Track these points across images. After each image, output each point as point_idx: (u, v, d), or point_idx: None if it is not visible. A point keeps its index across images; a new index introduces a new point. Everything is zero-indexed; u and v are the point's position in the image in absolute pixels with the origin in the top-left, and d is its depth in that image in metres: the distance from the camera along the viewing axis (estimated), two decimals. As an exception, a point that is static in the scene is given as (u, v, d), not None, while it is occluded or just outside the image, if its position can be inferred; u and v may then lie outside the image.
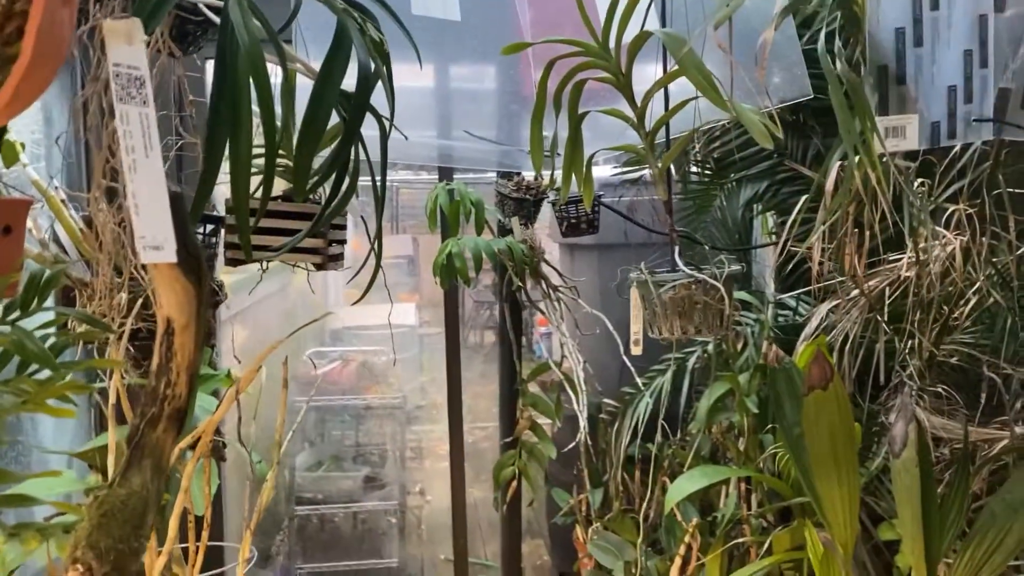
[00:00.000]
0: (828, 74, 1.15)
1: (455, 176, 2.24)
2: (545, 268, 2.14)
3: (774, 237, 2.07)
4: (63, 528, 0.74)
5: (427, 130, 2.12)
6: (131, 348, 1.31)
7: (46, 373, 0.81)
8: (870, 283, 1.53)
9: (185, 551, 1.28)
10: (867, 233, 1.36)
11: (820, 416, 1.22)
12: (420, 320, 5.24)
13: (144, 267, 1.27)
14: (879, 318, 1.54)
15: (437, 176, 2.27)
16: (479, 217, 1.98)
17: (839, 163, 1.26)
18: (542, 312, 2.21)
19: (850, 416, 1.27)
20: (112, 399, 1.07)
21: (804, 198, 1.38)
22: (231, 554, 2.03)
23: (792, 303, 1.99)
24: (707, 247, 1.83)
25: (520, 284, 2.13)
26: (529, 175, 2.16)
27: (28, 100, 0.47)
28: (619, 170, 2.25)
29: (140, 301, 1.15)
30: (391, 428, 3.76)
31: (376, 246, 1.21)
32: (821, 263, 1.35)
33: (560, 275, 2.15)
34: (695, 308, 1.24)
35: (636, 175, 2.18)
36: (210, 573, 1.32)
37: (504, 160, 2.04)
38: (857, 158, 1.20)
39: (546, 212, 2.30)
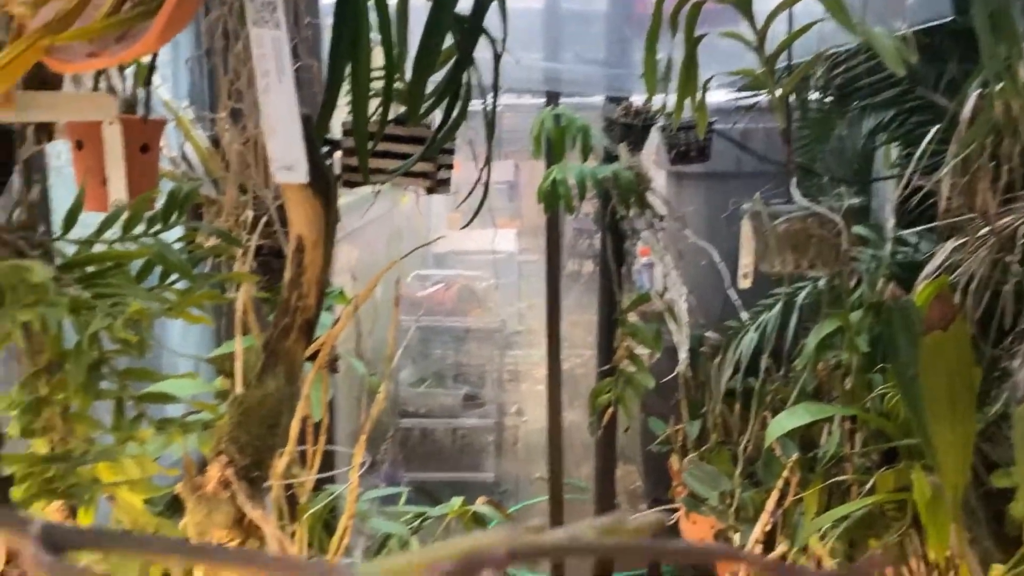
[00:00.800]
0: (973, -8, 1.06)
1: (561, 101, 2.21)
2: (651, 197, 2.11)
3: (897, 170, 1.96)
4: (202, 425, 0.81)
5: (535, 53, 2.09)
6: (254, 264, 1.39)
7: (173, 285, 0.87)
8: (1002, 221, 1.43)
9: (303, 455, 1.37)
10: (1003, 168, 1.27)
11: (938, 357, 1.18)
12: (520, 247, 5.28)
13: (268, 185, 1.34)
14: (1009, 259, 1.45)
15: (544, 101, 2.24)
16: (585, 143, 1.96)
17: (978, 91, 1.18)
18: (645, 242, 2.19)
19: (970, 359, 1.22)
20: (240, 311, 1.14)
21: (936, 128, 1.29)
22: (342, 460, 2.16)
23: (913, 240, 1.90)
24: (825, 179, 1.75)
25: (624, 213, 2.11)
26: (638, 100, 2.11)
27: (180, 26, 0.50)
28: (734, 95, 2.17)
29: (264, 219, 1.21)
30: (490, 351, 3.86)
31: (485, 171, 1.23)
32: (949, 198, 1.27)
33: (666, 204, 2.12)
34: (810, 242, 1.20)
35: (752, 101, 2.09)
36: (324, 474, 1.42)
37: (612, 84, 1.99)
38: (999, 86, 1.11)
39: (653, 140, 2.25)
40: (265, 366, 0.66)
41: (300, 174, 0.60)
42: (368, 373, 1.58)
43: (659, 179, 2.77)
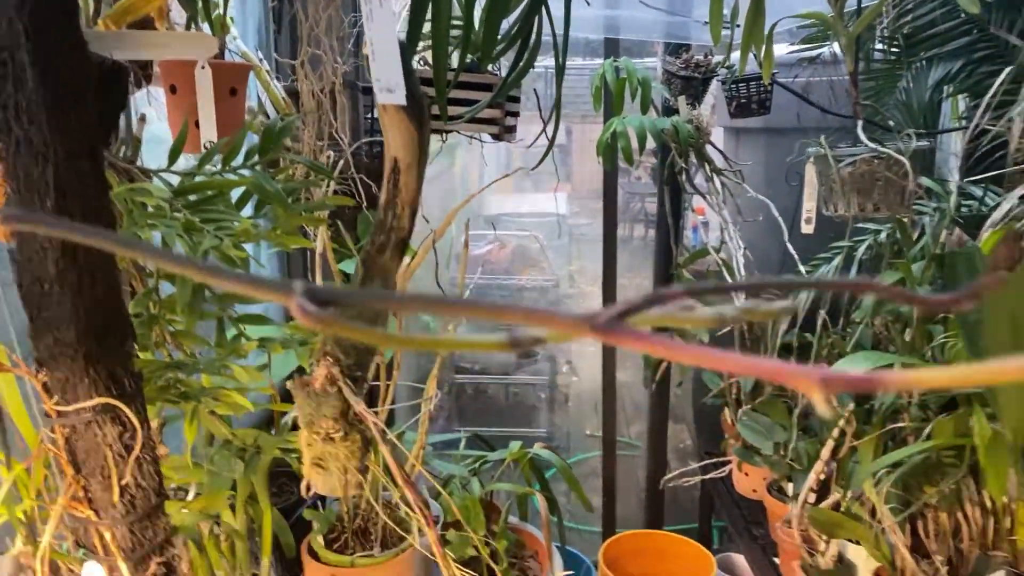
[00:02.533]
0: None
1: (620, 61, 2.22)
2: (710, 151, 2.11)
3: (964, 122, 1.93)
4: (298, 342, 0.87)
5: (596, 3, 2.09)
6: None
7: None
8: (1074, 168, 1.41)
9: (373, 391, 1.44)
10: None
11: (1002, 300, 1.18)
12: (571, 210, 5.30)
13: (339, 132, 1.39)
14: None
15: (600, 60, 2.25)
16: (645, 95, 1.97)
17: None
18: (703, 196, 2.19)
19: (1036, 303, 1.21)
20: (319, 249, 1.20)
21: (1006, 71, 1.28)
22: (400, 414, 2.24)
23: (979, 193, 1.87)
24: (892, 129, 1.74)
25: (683, 166, 2.12)
26: (698, 53, 2.10)
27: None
28: (797, 47, 2.15)
29: (341, 162, 1.27)
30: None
31: (554, 115, 1.26)
32: (1020, 143, 1.27)
33: (725, 158, 2.12)
34: (875, 185, 1.20)
35: (815, 53, 2.07)
36: (395, 405, 1.48)
37: (672, 31, 1.99)
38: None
39: (711, 96, 2.24)
40: (364, 278, 0.72)
41: (399, 96, 0.65)
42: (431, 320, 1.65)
43: (717, 135, 2.77)
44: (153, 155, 1.09)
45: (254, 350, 1.04)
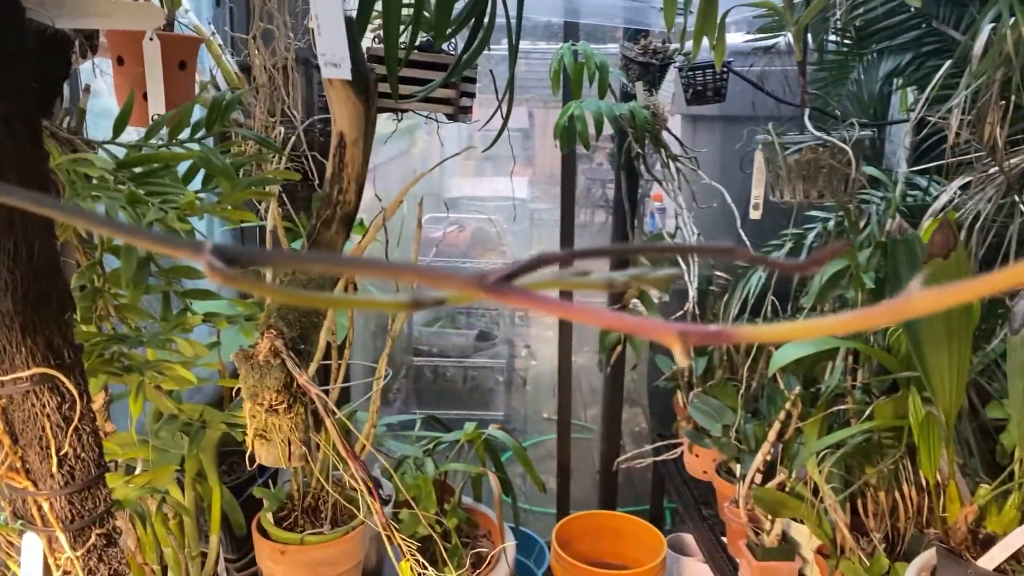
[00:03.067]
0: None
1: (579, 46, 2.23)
2: (666, 137, 2.14)
3: (912, 114, 1.98)
4: (244, 317, 0.87)
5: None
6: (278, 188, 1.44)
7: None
8: (1011, 160, 1.46)
9: (326, 369, 1.44)
10: (1011, 104, 1.30)
11: (937, 286, 1.22)
12: (531, 195, 5.32)
13: (291, 108, 1.38)
14: (1017, 198, 1.48)
15: (558, 45, 2.27)
16: (603, 79, 1.98)
17: (991, 25, 1.20)
18: (659, 182, 2.22)
19: (970, 290, 1.26)
20: (270, 226, 1.19)
21: (947, 63, 1.32)
22: (356, 393, 2.24)
23: (923, 183, 1.93)
24: (840, 119, 1.78)
25: (640, 151, 2.14)
26: (656, 40, 2.12)
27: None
28: (752, 36, 2.18)
29: (292, 138, 1.26)
30: (502, 293, 3.93)
31: (508, 96, 1.26)
32: (958, 134, 1.31)
33: (681, 145, 2.15)
34: (820, 172, 1.24)
35: (769, 43, 2.10)
36: (348, 383, 1.48)
37: (631, 16, 2.00)
38: (1012, 20, 1.14)
39: (669, 84, 2.27)
40: (309, 252, 0.72)
41: (344, 71, 0.65)
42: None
43: (674, 122, 2.80)
44: (101, 128, 1.07)
45: (205, 327, 1.04)
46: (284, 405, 0.66)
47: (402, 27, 1.13)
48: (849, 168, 1.22)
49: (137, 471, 1.07)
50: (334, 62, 0.64)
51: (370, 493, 0.78)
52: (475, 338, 3.60)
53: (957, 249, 1.18)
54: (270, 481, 1.56)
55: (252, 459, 0.74)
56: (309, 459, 0.71)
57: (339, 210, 0.73)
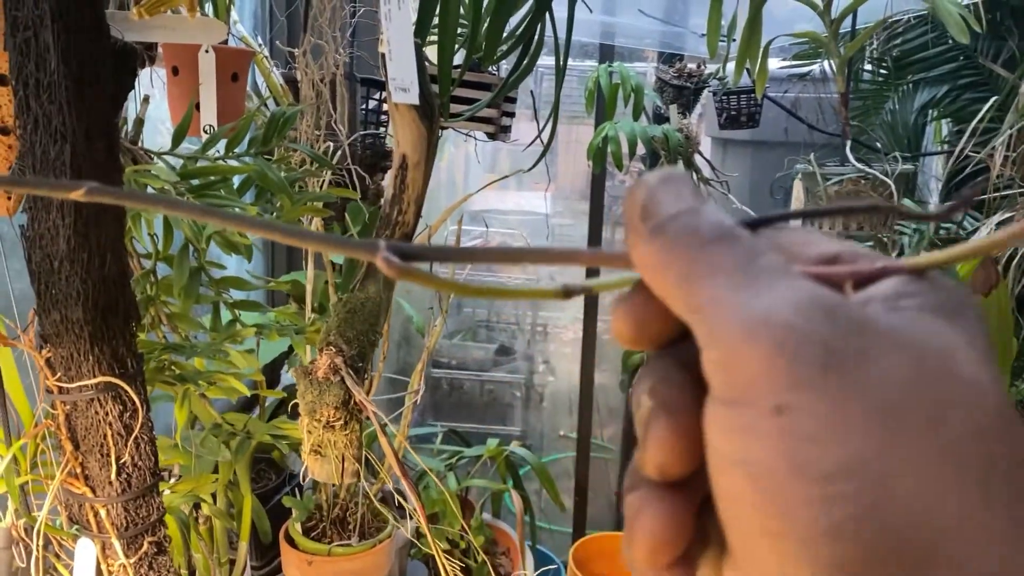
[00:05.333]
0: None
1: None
2: (698, 160, 2.14)
3: (946, 146, 1.98)
4: (294, 330, 0.88)
5: (593, 7, 2.11)
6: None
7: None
8: (1051, 198, 1.46)
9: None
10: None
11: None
12: (554, 210, 5.33)
13: (337, 123, 1.40)
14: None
15: (591, 62, 2.28)
16: (638, 102, 1.99)
17: (1040, 64, 1.20)
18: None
19: (1010, 328, 1.26)
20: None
21: (993, 99, 1.32)
22: (378, 407, 2.24)
23: (957, 218, 1.92)
24: (879, 151, 1.78)
25: (671, 174, 2.15)
26: (692, 63, 2.13)
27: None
28: (788, 63, 2.19)
29: (340, 152, 1.27)
30: (523, 308, 3.93)
31: (552, 118, 1.27)
32: (1001, 170, 1.31)
33: (713, 168, 2.15)
34: (861, 203, 1.23)
35: (806, 70, 2.11)
36: (376, 397, 1.49)
37: (667, 41, 2.01)
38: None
39: (700, 106, 2.27)
40: (367, 273, 0.73)
41: (413, 96, 0.66)
42: (415, 315, 1.66)
43: (705, 145, 2.80)
44: (147, 135, 1.09)
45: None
46: (341, 422, 0.67)
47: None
48: (890, 201, 1.22)
49: (168, 478, 1.08)
50: (403, 87, 0.65)
51: (420, 506, 0.79)
52: (495, 352, 3.61)
53: (999, 287, 1.18)
54: (297, 490, 1.57)
55: (304, 474, 0.75)
56: (361, 476, 0.72)
57: (398, 230, 0.74)
